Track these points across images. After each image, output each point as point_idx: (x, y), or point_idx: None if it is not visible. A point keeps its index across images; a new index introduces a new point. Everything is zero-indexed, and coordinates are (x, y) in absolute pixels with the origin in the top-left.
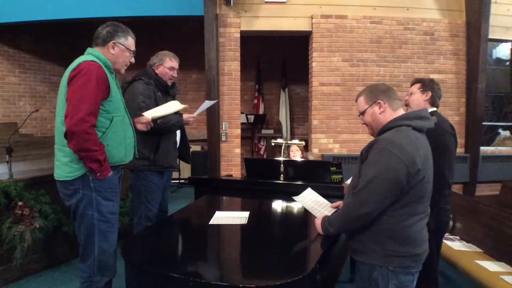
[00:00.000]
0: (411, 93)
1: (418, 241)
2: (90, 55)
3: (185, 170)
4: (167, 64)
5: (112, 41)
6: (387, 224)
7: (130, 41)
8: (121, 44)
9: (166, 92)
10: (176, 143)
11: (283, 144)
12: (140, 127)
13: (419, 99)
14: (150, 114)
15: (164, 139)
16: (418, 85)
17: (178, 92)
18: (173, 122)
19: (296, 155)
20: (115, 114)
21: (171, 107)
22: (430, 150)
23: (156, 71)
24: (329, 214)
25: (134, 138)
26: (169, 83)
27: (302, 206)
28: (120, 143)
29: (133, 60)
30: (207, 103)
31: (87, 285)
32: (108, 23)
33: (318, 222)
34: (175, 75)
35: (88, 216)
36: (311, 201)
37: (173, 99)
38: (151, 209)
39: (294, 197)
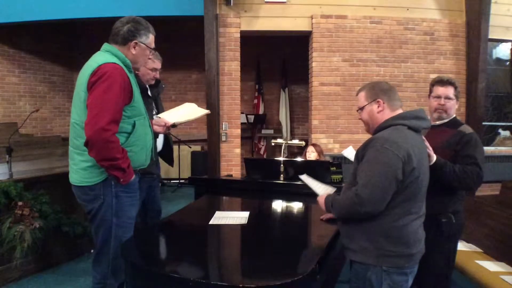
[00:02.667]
0: (450, 98)
1: (413, 241)
2: (109, 53)
3: (185, 170)
4: (149, 65)
5: (134, 41)
6: (381, 223)
7: (151, 39)
8: (143, 43)
9: (144, 93)
10: (155, 148)
11: (283, 144)
12: (158, 129)
13: (455, 107)
14: (173, 119)
15: None
16: (453, 91)
17: (163, 91)
18: None
19: (311, 157)
20: (137, 118)
21: (191, 111)
22: (426, 151)
23: (136, 72)
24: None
25: (153, 140)
26: (151, 83)
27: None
28: (142, 147)
29: (151, 55)
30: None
31: (101, 286)
32: (128, 18)
33: (321, 201)
34: (157, 76)
35: (107, 221)
36: (311, 184)
37: (155, 99)
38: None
39: (300, 176)
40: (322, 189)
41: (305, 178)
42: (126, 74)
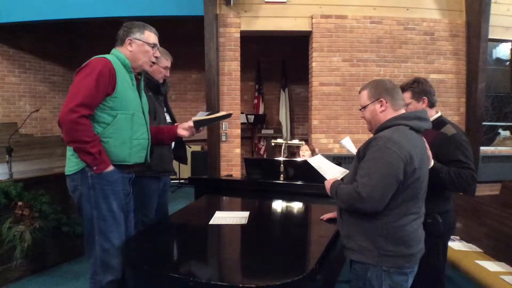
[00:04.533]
0: (407, 104)
1: (412, 241)
2: (111, 54)
3: (185, 170)
4: (162, 64)
5: (128, 38)
6: (381, 223)
7: (147, 35)
8: (137, 39)
9: (157, 91)
10: (170, 146)
11: (283, 144)
12: (182, 132)
13: (418, 108)
14: (194, 119)
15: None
16: (409, 95)
17: (169, 89)
18: None
19: (306, 155)
20: (121, 111)
21: (215, 114)
22: (426, 151)
23: (149, 69)
24: (341, 176)
25: (147, 140)
26: (160, 81)
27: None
28: (123, 141)
29: (157, 53)
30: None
31: (92, 281)
32: (125, 23)
33: (327, 186)
34: (168, 74)
35: (87, 213)
36: (323, 165)
37: (164, 97)
38: (147, 215)
39: (308, 159)
40: (330, 174)
41: (316, 160)
42: (111, 66)
